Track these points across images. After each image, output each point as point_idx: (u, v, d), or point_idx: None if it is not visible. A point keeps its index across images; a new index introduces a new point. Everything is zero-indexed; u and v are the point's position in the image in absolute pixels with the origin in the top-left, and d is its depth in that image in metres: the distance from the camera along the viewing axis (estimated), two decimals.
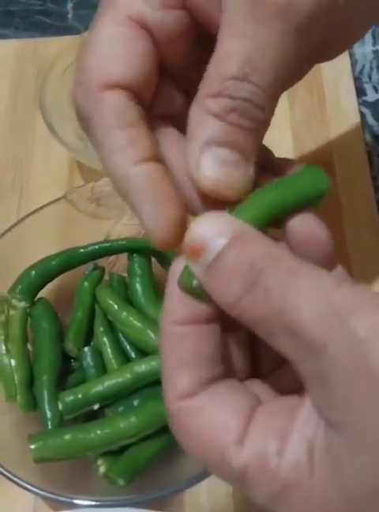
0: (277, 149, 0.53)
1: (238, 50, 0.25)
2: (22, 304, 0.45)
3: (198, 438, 0.22)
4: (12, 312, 0.44)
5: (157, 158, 0.26)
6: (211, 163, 0.25)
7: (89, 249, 0.46)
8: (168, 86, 0.29)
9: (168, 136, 0.28)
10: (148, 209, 0.25)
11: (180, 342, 0.23)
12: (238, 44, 0.25)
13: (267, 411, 0.23)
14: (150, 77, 0.27)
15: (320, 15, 0.25)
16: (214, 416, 0.22)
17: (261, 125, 0.26)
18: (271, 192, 0.25)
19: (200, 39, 0.29)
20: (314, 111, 0.62)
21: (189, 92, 0.30)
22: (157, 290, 0.47)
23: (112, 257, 0.49)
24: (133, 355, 0.44)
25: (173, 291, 0.23)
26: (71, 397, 0.41)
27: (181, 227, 0.25)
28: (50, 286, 0.47)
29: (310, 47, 0.26)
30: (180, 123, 0.29)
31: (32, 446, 0.38)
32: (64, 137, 0.52)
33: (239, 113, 0.25)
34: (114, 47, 0.27)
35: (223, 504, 0.43)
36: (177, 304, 0.23)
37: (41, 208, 0.47)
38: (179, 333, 0.23)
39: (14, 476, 0.37)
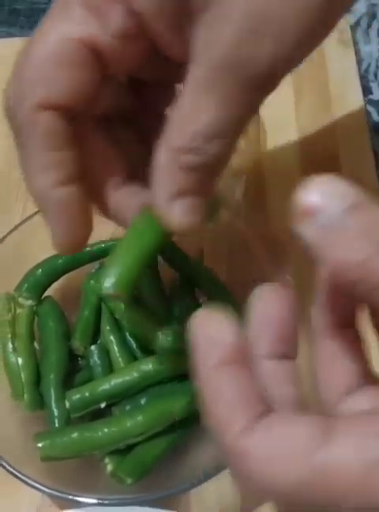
0: (283, 148, 0.54)
1: (207, 107, 0.26)
2: (29, 303, 0.45)
3: (281, 456, 0.20)
4: (18, 310, 0.44)
5: (76, 180, 0.29)
6: (181, 213, 0.28)
7: (95, 248, 0.46)
8: (115, 89, 0.31)
9: (100, 142, 0.31)
10: (59, 230, 0.30)
11: (223, 384, 0.22)
12: (207, 100, 0.26)
13: (352, 419, 0.20)
14: (88, 99, 0.29)
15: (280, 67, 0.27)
16: (287, 431, 0.20)
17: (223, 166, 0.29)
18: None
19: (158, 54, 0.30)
20: (320, 109, 0.62)
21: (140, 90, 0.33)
22: (163, 288, 0.47)
23: None
24: (139, 353, 0.44)
25: (199, 338, 0.23)
26: (78, 396, 0.41)
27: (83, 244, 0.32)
28: (55, 285, 0.47)
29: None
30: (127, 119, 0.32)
31: (39, 445, 0.38)
32: None
33: (208, 166, 0.27)
34: (55, 67, 0.28)
35: (230, 503, 0.43)
36: (209, 348, 0.22)
37: None
38: (220, 375, 0.22)
39: (20, 473, 0.37)
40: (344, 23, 0.64)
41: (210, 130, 0.26)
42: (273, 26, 0.25)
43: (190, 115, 0.27)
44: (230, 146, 0.28)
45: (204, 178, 0.28)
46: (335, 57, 0.63)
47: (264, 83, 0.26)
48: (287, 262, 0.43)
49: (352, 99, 0.61)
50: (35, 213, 0.46)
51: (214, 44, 0.26)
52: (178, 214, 0.28)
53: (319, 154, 0.58)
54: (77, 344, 0.44)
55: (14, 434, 0.41)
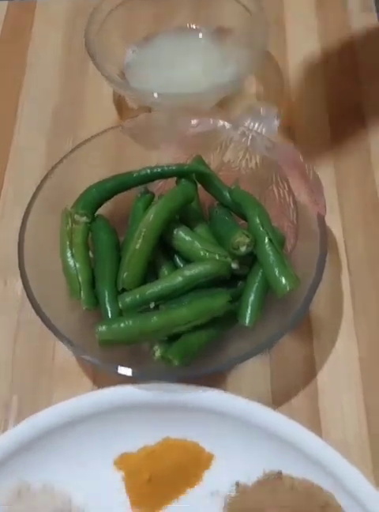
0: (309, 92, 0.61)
1: None
2: (83, 219, 0.52)
3: None
4: (75, 226, 0.51)
5: None
6: None
7: (142, 172, 0.53)
8: None
9: None
10: None
11: None
12: None
13: None
14: None
15: None
16: None
17: None
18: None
19: None
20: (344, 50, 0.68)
21: None
22: (202, 212, 0.54)
23: (160, 183, 0.55)
24: (181, 265, 0.51)
25: None
26: (129, 297, 0.48)
27: None
28: (106, 209, 0.54)
29: None
30: None
31: (99, 329, 0.45)
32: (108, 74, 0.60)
33: None
34: None
35: (260, 382, 0.50)
36: None
37: (99, 134, 0.54)
38: None
39: (83, 351, 0.44)
40: None
41: None
42: None
43: None
44: None
45: None
46: None
47: None
48: (319, 186, 0.49)
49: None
50: (88, 140, 0.54)
51: None
52: None
53: (345, 102, 0.65)
54: None
55: (75, 327, 0.48)
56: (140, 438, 0.46)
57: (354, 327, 0.52)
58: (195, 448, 0.46)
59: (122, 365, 0.46)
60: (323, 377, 0.50)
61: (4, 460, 0.45)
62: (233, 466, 0.46)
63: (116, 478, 0.46)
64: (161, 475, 0.46)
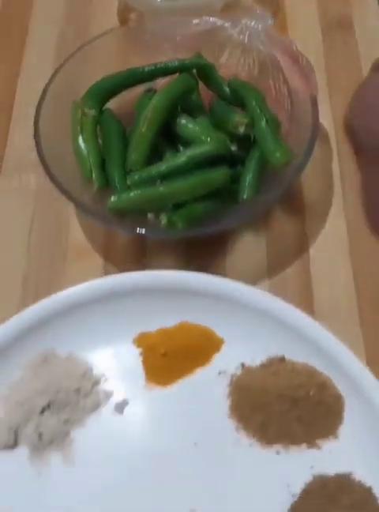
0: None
1: None
2: (92, 112, 0.56)
3: None
4: (84, 118, 0.55)
5: None
6: None
7: (147, 69, 0.57)
8: None
9: None
10: None
11: None
12: None
13: None
14: None
15: None
16: None
17: None
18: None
19: None
20: None
21: None
22: (203, 106, 0.58)
23: (163, 81, 0.59)
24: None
25: None
26: (137, 175, 0.52)
27: None
28: (113, 105, 0.58)
29: None
30: None
31: (112, 199, 0.50)
32: None
33: None
34: None
35: (256, 262, 0.54)
36: None
37: (105, 33, 0.58)
38: None
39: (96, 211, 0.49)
40: None
41: None
42: None
43: None
44: None
45: None
46: None
47: None
48: (311, 70, 0.54)
49: None
50: (97, 37, 0.57)
51: None
52: None
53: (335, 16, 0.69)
54: None
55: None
56: (159, 320, 0.50)
57: (343, 205, 0.57)
58: (207, 332, 0.50)
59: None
60: (314, 250, 0.55)
61: (33, 328, 0.49)
62: (240, 350, 0.50)
63: (134, 353, 0.51)
64: (175, 351, 0.50)
